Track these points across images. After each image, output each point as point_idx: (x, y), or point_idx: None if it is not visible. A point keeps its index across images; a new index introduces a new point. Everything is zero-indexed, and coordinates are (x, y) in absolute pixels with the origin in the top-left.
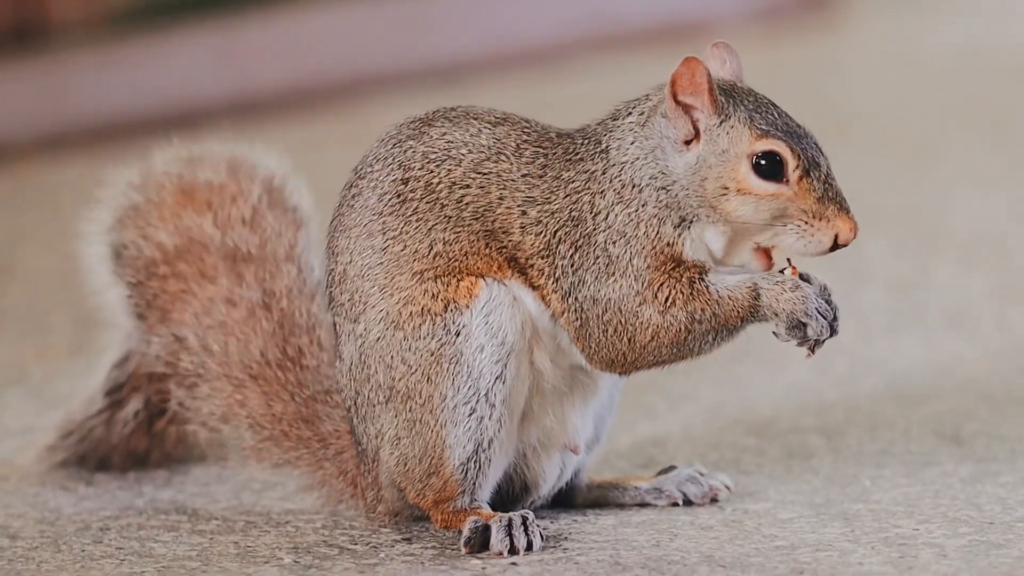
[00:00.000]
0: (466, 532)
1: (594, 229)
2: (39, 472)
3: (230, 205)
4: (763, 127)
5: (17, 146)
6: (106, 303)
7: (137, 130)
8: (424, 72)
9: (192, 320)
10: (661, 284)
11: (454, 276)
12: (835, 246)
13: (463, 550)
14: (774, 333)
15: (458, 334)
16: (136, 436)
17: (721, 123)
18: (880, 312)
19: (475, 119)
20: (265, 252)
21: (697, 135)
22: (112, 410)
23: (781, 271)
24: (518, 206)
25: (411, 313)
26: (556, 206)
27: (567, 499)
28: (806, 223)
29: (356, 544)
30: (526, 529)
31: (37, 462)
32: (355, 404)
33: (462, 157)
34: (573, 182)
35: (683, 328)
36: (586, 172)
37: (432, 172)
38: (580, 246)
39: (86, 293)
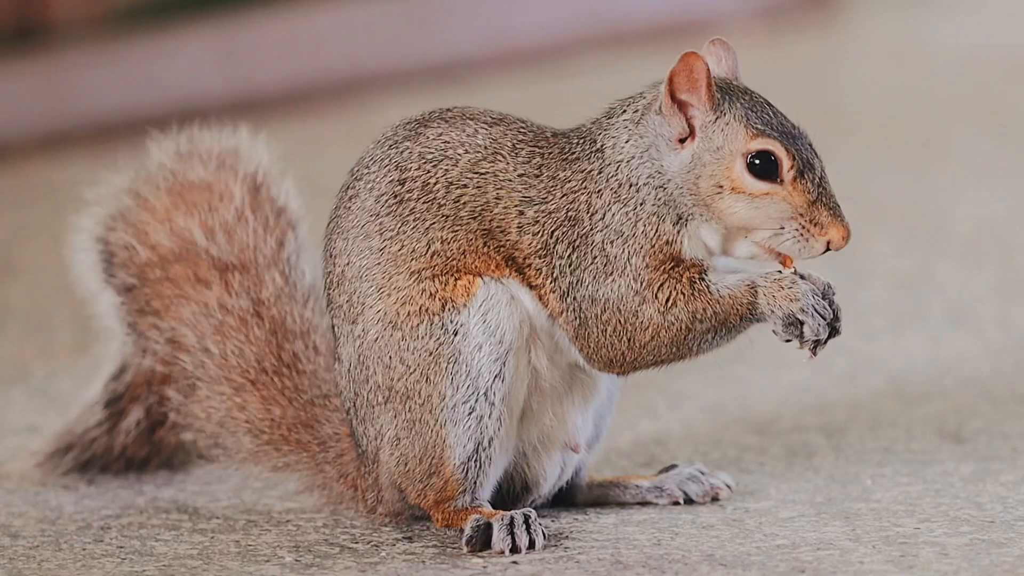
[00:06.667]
0: (468, 531)
1: (591, 229)
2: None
3: (216, 207)
4: (759, 126)
5: (19, 144)
6: (98, 309)
7: (139, 128)
8: (427, 70)
9: (191, 320)
10: (662, 284)
11: (452, 275)
12: (826, 250)
13: (465, 549)
14: (773, 331)
15: (456, 333)
16: (137, 444)
17: (716, 120)
18: (882, 310)
19: (471, 119)
20: (246, 260)
21: (692, 133)
22: (113, 421)
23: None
24: (515, 206)
25: (409, 313)
26: (553, 206)
27: (568, 498)
28: (800, 227)
29: (357, 543)
30: (528, 528)
31: (36, 470)
32: (354, 406)
33: (459, 157)
34: (569, 182)
35: (684, 327)
36: (582, 172)
37: (429, 172)
38: (577, 246)
39: (85, 294)
